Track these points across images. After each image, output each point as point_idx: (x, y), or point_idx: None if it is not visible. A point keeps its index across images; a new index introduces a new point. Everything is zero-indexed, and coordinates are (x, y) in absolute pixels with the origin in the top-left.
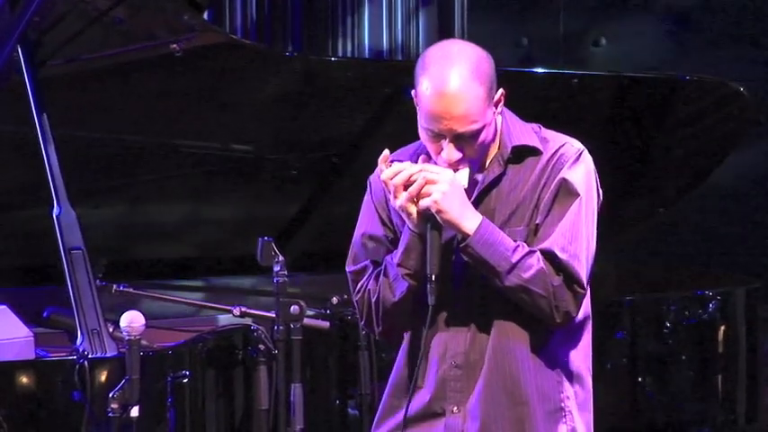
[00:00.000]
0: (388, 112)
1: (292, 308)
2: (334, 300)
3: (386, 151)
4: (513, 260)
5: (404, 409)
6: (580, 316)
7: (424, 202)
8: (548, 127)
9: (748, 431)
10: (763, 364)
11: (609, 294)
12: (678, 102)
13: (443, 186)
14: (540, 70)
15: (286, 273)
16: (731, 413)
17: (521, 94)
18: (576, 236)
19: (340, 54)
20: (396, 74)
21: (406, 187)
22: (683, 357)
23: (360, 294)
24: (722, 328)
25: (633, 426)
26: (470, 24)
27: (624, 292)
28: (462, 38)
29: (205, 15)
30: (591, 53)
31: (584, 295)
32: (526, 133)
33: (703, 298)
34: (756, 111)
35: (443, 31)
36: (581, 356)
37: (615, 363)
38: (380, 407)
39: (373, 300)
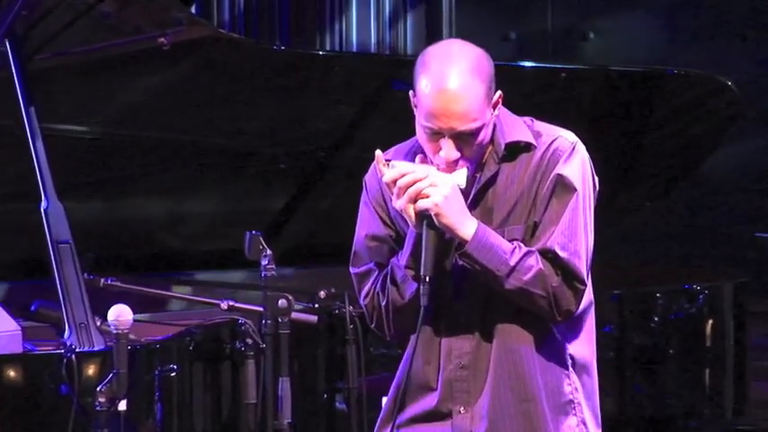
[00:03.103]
0: (375, 106)
1: (280, 302)
2: (322, 294)
3: (378, 152)
4: (512, 263)
5: (411, 408)
6: (582, 305)
7: (423, 203)
8: (539, 119)
9: (735, 425)
10: (750, 358)
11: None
12: (666, 96)
13: (445, 190)
14: (528, 64)
15: (274, 267)
16: (718, 407)
17: (509, 88)
18: (575, 232)
19: (328, 48)
20: (383, 68)
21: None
22: (671, 351)
23: (368, 299)
24: (710, 322)
25: (620, 419)
26: (458, 18)
27: (611, 287)
28: (450, 32)
29: (192, 9)
30: (579, 47)
31: (585, 290)
32: (519, 128)
33: (691, 292)
34: (744, 105)
35: (431, 25)
36: (586, 344)
37: (602, 356)
38: (384, 407)
39: (383, 304)
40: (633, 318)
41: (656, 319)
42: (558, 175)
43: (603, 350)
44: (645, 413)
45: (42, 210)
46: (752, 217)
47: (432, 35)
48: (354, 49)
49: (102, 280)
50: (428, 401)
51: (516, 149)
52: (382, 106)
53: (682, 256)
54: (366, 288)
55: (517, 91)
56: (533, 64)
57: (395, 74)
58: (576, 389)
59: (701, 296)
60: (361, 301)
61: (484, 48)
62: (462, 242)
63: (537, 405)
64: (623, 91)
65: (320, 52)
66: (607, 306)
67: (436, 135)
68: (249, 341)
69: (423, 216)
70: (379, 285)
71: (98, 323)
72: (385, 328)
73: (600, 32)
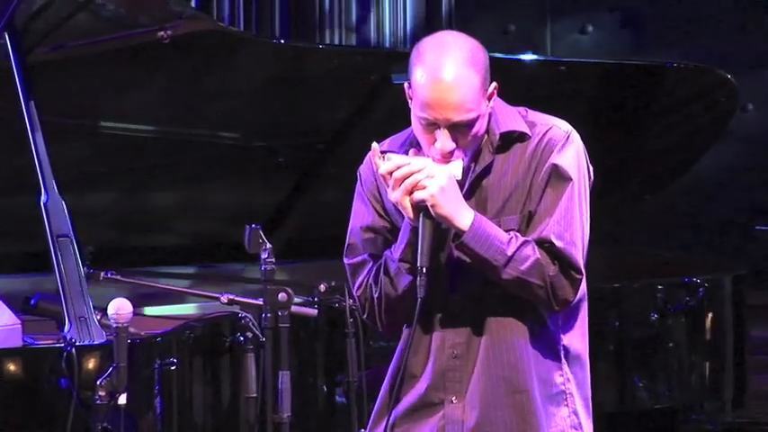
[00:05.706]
0: (374, 100)
1: (280, 295)
2: (322, 287)
3: (374, 144)
4: (509, 253)
5: (402, 400)
6: (577, 296)
7: (419, 194)
8: (533, 109)
9: (735, 418)
10: (749, 351)
11: (596, 282)
12: (665, 89)
13: (441, 180)
14: (527, 57)
15: (273, 260)
16: (718, 400)
17: (508, 81)
18: (571, 222)
19: (327, 41)
20: (383, 61)
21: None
22: (671, 344)
23: (361, 290)
24: (709, 314)
25: (620, 412)
26: (458, 11)
27: (611, 279)
28: (450, 25)
29: (192, 2)
30: (578, 40)
31: (581, 279)
32: (513, 118)
33: (690, 285)
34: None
35: (431, 18)
36: (579, 336)
37: (602, 349)
38: (379, 398)
39: (375, 296)
40: (633, 310)
41: (655, 311)
42: (553, 164)
43: (603, 343)
44: (644, 406)
45: (42, 203)
46: (751, 210)
47: (431, 28)
48: (354, 43)
49: (102, 273)
50: (417, 391)
51: (510, 139)
52: (381, 100)
53: (681, 248)
54: (359, 279)
55: (516, 84)
56: (533, 57)
57: (394, 68)
58: (569, 379)
59: (700, 289)
60: (355, 293)
61: (483, 40)
62: (459, 233)
63: (529, 396)
64: (622, 84)
65: (320, 46)
66: (607, 298)
67: (432, 126)
68: (249, 335)
69: (419, 207)
70: (372, 277)
71: (98, 317)
72: (377, 319)
73: (599, 26)
